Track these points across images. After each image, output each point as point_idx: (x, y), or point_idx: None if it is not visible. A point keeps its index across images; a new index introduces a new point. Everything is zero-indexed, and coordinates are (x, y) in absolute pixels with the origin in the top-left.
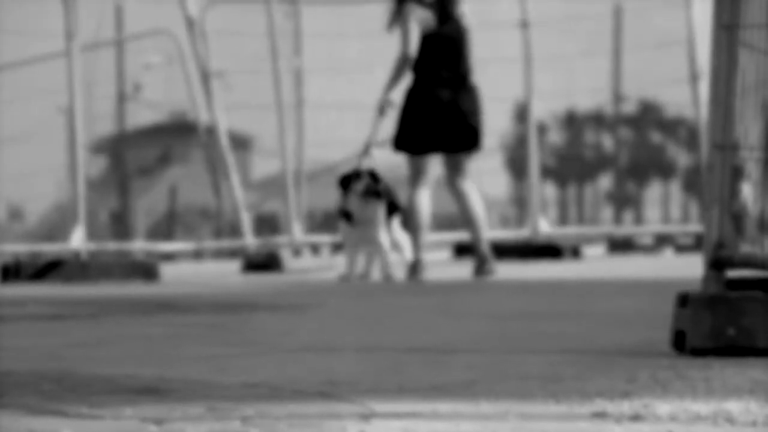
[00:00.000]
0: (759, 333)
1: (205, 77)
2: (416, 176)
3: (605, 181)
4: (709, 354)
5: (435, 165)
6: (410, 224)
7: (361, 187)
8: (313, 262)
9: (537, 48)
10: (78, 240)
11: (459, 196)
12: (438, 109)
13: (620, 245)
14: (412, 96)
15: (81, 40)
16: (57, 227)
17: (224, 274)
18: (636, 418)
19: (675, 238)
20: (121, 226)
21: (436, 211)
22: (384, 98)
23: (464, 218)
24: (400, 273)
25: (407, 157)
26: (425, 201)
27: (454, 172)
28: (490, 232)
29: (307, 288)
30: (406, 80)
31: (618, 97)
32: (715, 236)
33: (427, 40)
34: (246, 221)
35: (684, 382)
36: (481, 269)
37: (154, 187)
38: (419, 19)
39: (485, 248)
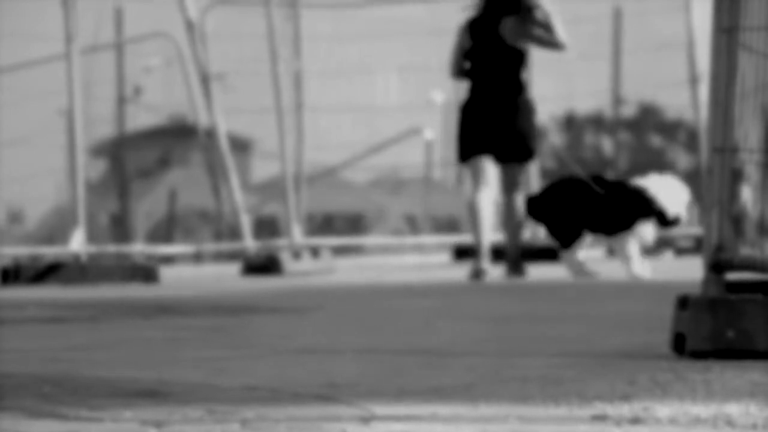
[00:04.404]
0: (759, 336)
1: (205, 80)
2: (474, 180)
3: None
4: (709, 357)
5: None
6: (473, 227)
7: None
8: (313, 265)
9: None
10: (78, 243)
11: (504, 206)
12: (488, 119)
13: None
14: (466, 109)
15: (80, 43)
16: (57, 230)
17: (224, 277)
18: (636, 420)
19: (675, 240)
20: (120, 228)
21: (435, 214)
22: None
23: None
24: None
25: (468, 163)
26: (485, 204)
27: (503, 181)
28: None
29: (307, 291)
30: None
31: (617, 100)
32: (714, 239)
33: (478, 53)
34: (246, 224)
35: (684, 385)
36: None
37: (154, 189)
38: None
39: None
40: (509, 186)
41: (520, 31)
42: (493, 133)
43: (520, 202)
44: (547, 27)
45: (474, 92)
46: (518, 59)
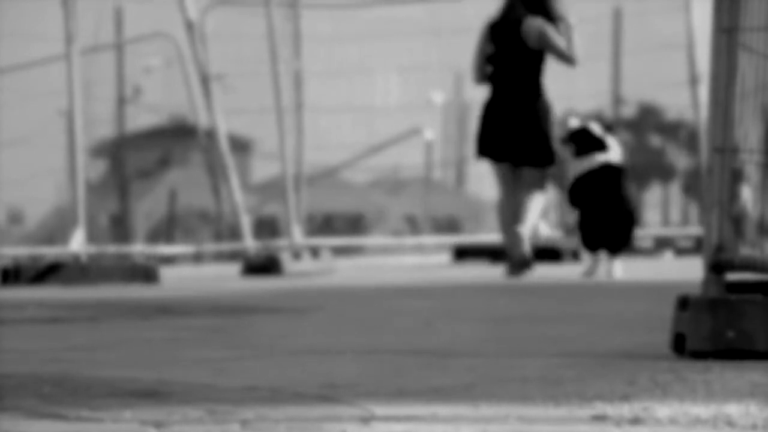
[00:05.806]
0: (759, 336)
1: (205, 80)
2: (500, 184)
3: None
4: (709, 357)
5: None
6: (503, 231)
7: None
8: (313, 266)
9: None
10: (78, 243)
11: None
12: (508, 123)
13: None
14: (487, 108)
15: (80, 43)
16: (57, 230)
17: (224, 277)
18: (636, 421)
19: (675, 241)
20: (120, 229)
21: (435, 214)
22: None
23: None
24: None
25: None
26: (512, 207)
27: (520, 184)
28: (490, 235)
29: (307, 291)
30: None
31: (617, 100)
32: (714, 239)
33: (499, 57)
34: (246, 224)
35: (684, 385)
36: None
37: (154, 190)
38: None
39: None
40: (524, 189)
41: (543, 37)
42: (512, 138)
43: (534, 204)
44: (567, 40)
45: (495, 94)
46: (538, 62)
